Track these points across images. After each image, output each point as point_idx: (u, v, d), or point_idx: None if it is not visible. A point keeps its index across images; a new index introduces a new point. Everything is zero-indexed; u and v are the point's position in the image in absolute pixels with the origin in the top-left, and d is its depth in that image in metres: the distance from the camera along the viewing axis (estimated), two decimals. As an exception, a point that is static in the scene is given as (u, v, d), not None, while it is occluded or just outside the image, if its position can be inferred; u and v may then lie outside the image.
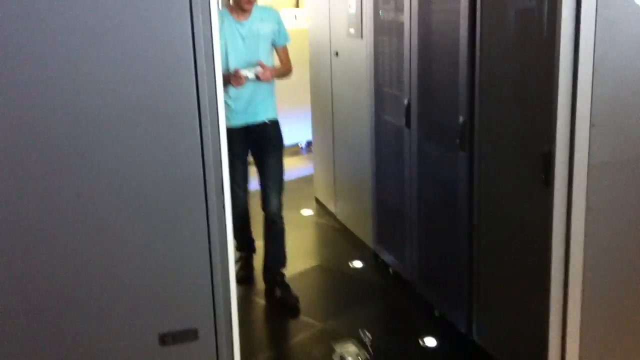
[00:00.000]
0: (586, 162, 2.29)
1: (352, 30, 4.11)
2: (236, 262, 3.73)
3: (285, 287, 3.72)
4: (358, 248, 4.34)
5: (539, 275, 2.50)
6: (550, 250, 2.41)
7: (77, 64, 1.62)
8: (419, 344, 3.21)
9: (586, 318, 2.47)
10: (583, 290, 2.44)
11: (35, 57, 1.58)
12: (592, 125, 2.26)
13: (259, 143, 3.57)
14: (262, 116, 3.54)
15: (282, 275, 3.76)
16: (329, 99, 4.72)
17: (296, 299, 3.63)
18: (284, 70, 3.64)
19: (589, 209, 2.35)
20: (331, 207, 4.99)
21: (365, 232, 4.30)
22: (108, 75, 1.64)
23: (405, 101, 3.44)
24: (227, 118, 3.28)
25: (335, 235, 4.68)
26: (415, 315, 3.49)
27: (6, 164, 1.63)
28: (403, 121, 3.50)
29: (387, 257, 3.99)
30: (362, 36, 3.95)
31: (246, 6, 3.37)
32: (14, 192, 1.66)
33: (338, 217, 4.86)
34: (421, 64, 3.26)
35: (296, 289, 3.72)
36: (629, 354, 2.59)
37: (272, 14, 3.57)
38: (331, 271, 4.14)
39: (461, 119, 2.91)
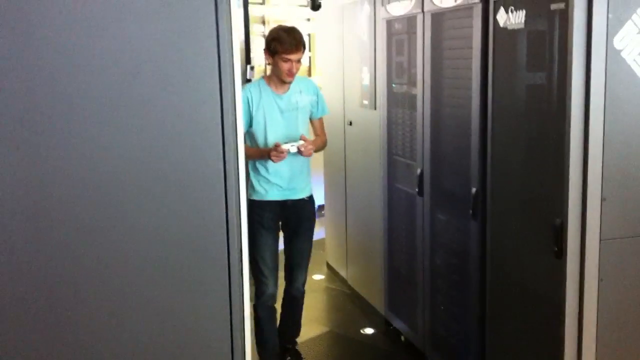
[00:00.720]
0: (598, 236, 2.34)
1: (365, 102, 4.23)
2: None
3: (297, 356, 3.70)
4: (369, 314, 4.34)
5: (551, 345, 2.51)
6: (563, 321, 2.44)
7: (108, 132, 1.67)
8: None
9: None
10: (596, 350, 2.45)
11: (67, 125, 1.61)
12: (603, 199, 2.32)
13: (293, 218, 3.46)
14: (302, 193, 3.46)
15: (295, 343, 3.74)
16: (342, 165, 4.81)
17: None
18: (320, 143, 3.56)
19: (600, 280, 2.38)
20: (342, 273, 5.01)
21: (376, 298, 4.31)
22: (136, 144, 1.71)
23: (418, 170, 3.52)
24: (264, 191, 3.35)
25: (346, 301, 4.68)
26: (427, 385, 3.48)
27: (32, 230, 1.66)
28: (415, 189, 3.57)
29: (398, 324, 3.99)
30: (375, 107, 4.07)
31: (288, 79, 3.26)
32: (38, 259, 1.68)
33: (349, 282, 4.88)
34: (434, 134, 3.36)
35: (307, 355, 3.72)
36: None
37: (311, 85, 3.50)
38: (342, 338, 4.13)
39: (473, 189, 2.98)
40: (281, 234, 3.54)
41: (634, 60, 2.28)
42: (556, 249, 2.42)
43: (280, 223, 3.47)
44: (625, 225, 2.38)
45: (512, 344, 2.84)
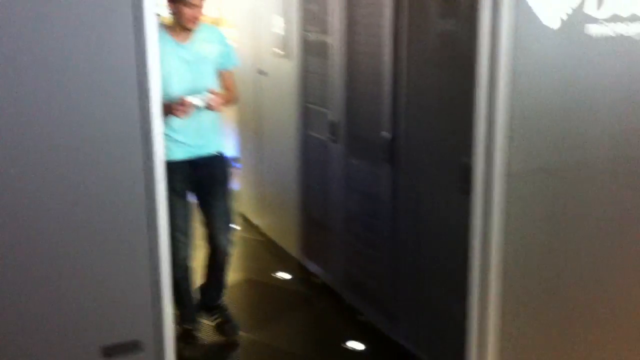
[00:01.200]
0: (503, 172, 2.53)
1: (278, 50, 4.26)
2: (178, 339, 3.03)
3: (224, 312, 3.52)
4: (285, 260, 4.45)
5: (460, 278, 2.71)
6: (470, 254, 2.63)
7: (24, 92, 1.66)
8: (346, 348, 3.36)
9: (505, 317, 2.69)
10: (502, 292, 2.66)
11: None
12: (508, 137, 2.50)
13: (205, 179, 3.23)
14: (211, 148, 3.22)
15: (221, 300, 3.54)
16: (256, 115, 4.84)
17: (235, 328, 3.47)
18: (230, 97, 3.31)
19: (507, 215, 2.58)
20: (257, 222, 5.09)
21: (291, 244, 4.43)
22: (53, 104, 1.70)
23: (332, 118, 3.62)
24: (170, 152, 3.01)
25: (262, 249, 4.78)
26: (341, 322, 3.64)
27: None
28: (330, 137, 3.67)
29: (313, 268, 4.13)
30: (289, 56, 4.11)
31: (191, 25, 3.01)
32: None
33: (264, 231, 4.96)
34: (348, 82, 3.45)
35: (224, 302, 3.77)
36: (546, 352, 2.83)
37: (217, 34, 3.23)
38: (259, 284, 4.23)
39: (386, 135, 3.11)
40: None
41: (538, 4, 2.43)
42: (464, 186, 2.59)
43: (192, 185, 3.22)
44: (530, 161, 2.58)
45: (422, 281, 3.03)
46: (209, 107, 3.05)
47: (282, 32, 4.20)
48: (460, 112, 2.61)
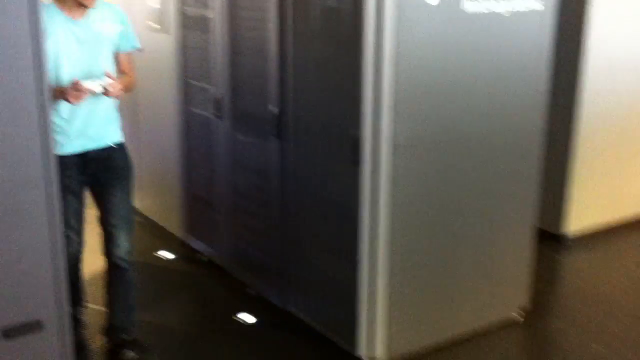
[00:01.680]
0: (390, 143, 2.67)
1: (154, 24, 4.15)
2: None
3: (140, 347, 3.07)
4: (168, 240, 4.39)
5: (350, 247, 2.84)
6: (359, 223, 2.76)
7: None
8: (238, 321, 3.41)
9: (393, 282, 2.86)
10: (390, 258, 2.82)
11: None
12: (394, 110, 2.63)
13: (101, 173, 2.90)
14: (108, 139, 2.90)
15: (133, 332, 3.08)
16: (131, 93, 4.67)
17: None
18: (128, 82, 2.99)
19: (394, 184, 2.73)
20: (135, 204, 4.95)
21: (174, 223, 4.37)
22: None
23: (216, 94, 3.60)
24: (60, 144, 2.71)
25: (141, 230, 4.66)
26: (231, 297, 3.67)
27: None
28: (214, 113, 3.65)
29: (198, 245, 4.12)
30: (166, 30, 4.02)
31: (87, 2, 2.69)
32: None
33: (143, 212, 4.85)
34: (231, 57, 3.45)
35: (102, 288, 3.60)
36: (432, 313, 3.03)
37: (117, 13, 2.91)
38: (141, 265, 4.13)
39: (274, 110, 3.15)
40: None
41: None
42: (353, 158, 2.71)
43: (87, 180, 2.89)
44: (415, 132, 2.74)
45: (313, 248, 3.13)
46: (106, 94, 2.72)
47: (157, 5, 4.09)
48: (347, 86, 2.71)
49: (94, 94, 2.68)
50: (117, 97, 2.80)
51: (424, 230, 2.91)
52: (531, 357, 3.16)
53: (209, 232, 3.98)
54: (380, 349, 2.91)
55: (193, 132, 3.98)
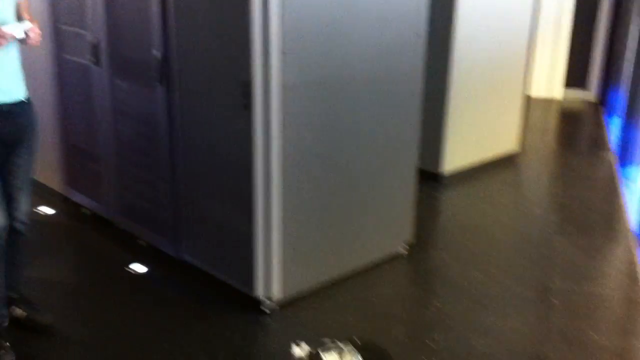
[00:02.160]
0: (280, 85, 2.68)
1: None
2: None
3: (29, 304, 2.92)
4: (45, 195, 4.19)
5: (243, 191, 2.85)
6: (252, 167, 2.77)
7: None
8: (128, 272, 3.35)
9: (287, 224, 2.91)
10: (283, 201, 2.87)
11: None
12: (282, 52, 2.64)
13: (9, 128, 2.65)
14: (18, 93, 2.65)
15: (21, 290, 2.92)
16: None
17: (50, 316, 2.91)
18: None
19: (285, 126, 2.75)
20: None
21: (51, 177, 4.17)
22: None
23: (92, 39, 3.43)
24: None
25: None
26: (121, 249, 3.59)
27: None
28: (91, 59, 3.48)
29: (80, 199, 3.97)
30: (32, -29, 3.74)
31: None
32: None
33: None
34: (107, 1, 3.28)
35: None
36: (326, 252, 3.13)
37: None
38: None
39: (156, 53, 3.05)
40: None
41: None
42: (244, 102, 2.70)
43: None
44: (303, 75, 2.76)
45: (206, 194, 3.11)
46: (27, 39, 2.52)
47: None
48: (235, 29, 2.67)
49: (14, 39, 2.48)
50: (36, 43, 2.58)
51: (315, 172, 2.98)
52: (416, 286, 3.36)
53: (91, 185, 3.83)
54: (276, 289, 2.98)
55: (69, 81, 3.77)
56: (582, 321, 2.99)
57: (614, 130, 6.12)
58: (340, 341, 2.58)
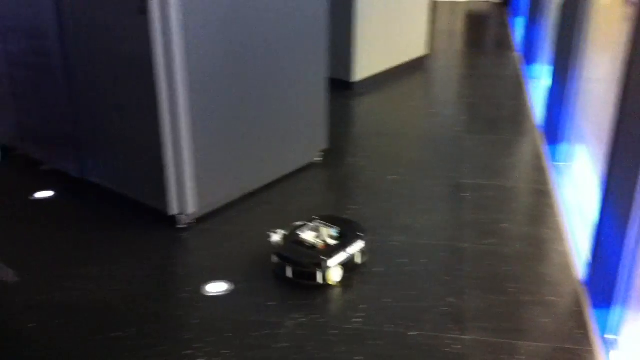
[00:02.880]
0: (177, -14, 2.51)
1: None
2: None
3: None
4: None
5: (148, 104, 2.70)
6: (155, 78, 2.62)
7: None
8: (34, 199, 3.17)
9: (197, 137, 2.80)
10: (191, 113, 2.74)
11: None
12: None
13: None
14: None
15: None
16: None
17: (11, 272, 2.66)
18: None
19: (186, 31, 2.59)
20: None
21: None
22: None
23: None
24: None
25: None
26: (23, 177, 3.39)
27: None
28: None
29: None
30: None
31: None
32: None
33: None
34: None
35: None
36: (240, 165, 3.04)
37: None
38: None
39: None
40: None
41: None
42: (140, 4, 2.51)
43: None
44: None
45: (109, 117, 2.94)
46: None
47: None
48: None
49: None
50: None
51: (222, 82, 2.85)
52: (333, 191, 3.36)
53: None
54: (191, 203, 2.90)
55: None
56: (494, 213, 3.09)
57: (518, 30, 6.22)
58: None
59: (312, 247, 2.58)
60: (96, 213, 3.06)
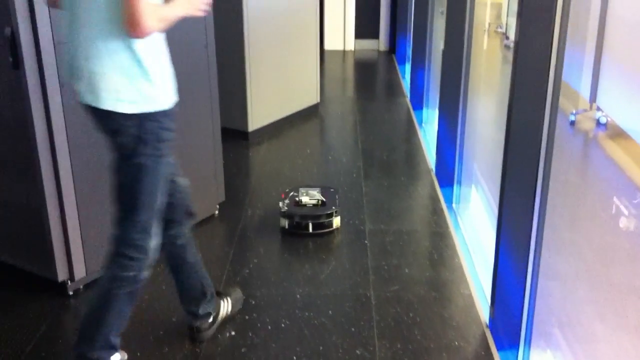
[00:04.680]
0: (52, 41, 2.35)
1: None
2: None
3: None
4: None
5: (27, 163, 2.50)
6: (33, 135, 2.43)
7: None
8: None
9: (81, 197, 2.61)
10: (74, 173, 2.56)
11: None
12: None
13: None
14: None
15: None
16: None
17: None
18: None
19: (62, 85, 2.43)
20: None
21: None
22: None
23: None
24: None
25: None
26: None
27: None
28: None
29: None
30: None
31: None
32: None
33: None
34: None
35: None
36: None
37: None
38: None
39: None
40: None
41: None
42: (12, 60, 2.34)
43: None
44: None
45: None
46: None
47: None
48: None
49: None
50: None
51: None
52: (232, 245, 3.23)
53: None
54: (79, 270, 2.69)
55: None
56: (396, 258, 3.07)
57: (406, 76, 6.42)
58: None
59: (316, 204, 3.36)
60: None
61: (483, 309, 2.65)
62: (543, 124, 1.97)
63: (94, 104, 1.91)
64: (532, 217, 2.06)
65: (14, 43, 2.30)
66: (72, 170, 2.55)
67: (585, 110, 4.41)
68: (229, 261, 3.06)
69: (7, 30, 2.29)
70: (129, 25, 1.76)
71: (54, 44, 2.36)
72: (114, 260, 2.05)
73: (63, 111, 2.46)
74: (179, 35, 2.92)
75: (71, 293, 2.72)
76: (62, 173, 2.52)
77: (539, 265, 2.10)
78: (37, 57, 2.34)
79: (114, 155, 2.01)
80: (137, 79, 1.87)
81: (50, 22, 2.33)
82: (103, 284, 2.08)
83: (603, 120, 4.05)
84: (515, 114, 2.22)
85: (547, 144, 1.99)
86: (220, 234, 3.36)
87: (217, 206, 3.49)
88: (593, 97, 4.41)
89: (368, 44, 7.91)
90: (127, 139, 1.93)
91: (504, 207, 2.35)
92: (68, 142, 2.51)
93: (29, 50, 2.32)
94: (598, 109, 4.11)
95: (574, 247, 2.17)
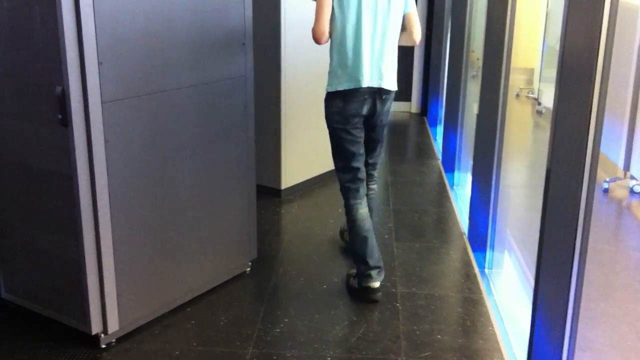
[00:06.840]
0: (99, 99, 2.45)
1: None
2: None
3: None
4: None
5: (68, 218, 2.56)
6: (75, 191, 2.50)
7: None
8: None
9: (119, 253, 2.66)
10: (113, 227, 2.62)
11: None
12: (100, 63, 2.41)
13: None
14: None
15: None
16: None
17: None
18: None
19: (107, 142, 2.51)
20: None
21: None
22: None
23: None
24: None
25: None
26: None
27: None
28: None
29: None
30: None
31: None
32: None
33: None
34: None
35: None
36: (164, 279, 2.90)
37: None
38: None
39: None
40: None
41: None
42: (61, 117, 2.43)
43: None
44: (123, 87, 2.55)
45: (27, 225, 2.76)
46: None
47: None
48: (51, 40, 2.40)
49: None
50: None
51: (145, 192, 2.75)
52: (263, 303, 3.23)
53: None
54: (112, 322, 2.71)
55: None
56: (427, 323, 3.04)
57: (438, 138, 6.46)
58: None
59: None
60: (10, 334, 2.81)
61: (517, 380, 2.59)
62: (581, 193, 1.97)
63: (387, 87, 3.36)
64: (569, 287, 2.04)
65: (63, 101, 2.40)
66: (111, 227, 2.61)
67: (618, 179, 4.38)
68: (260, 319, 3.06)
69: (58, 89, 2.39)
70: (420, 37, 3.38)
71: (101, 102, 2.45)
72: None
73: (107, 168, 2.53)
74: (219, 94, 3.01)
75: (104, 346, 2.73)
76: (101, 228, 2.57)
77: (575, 338, 2.06)
78: (85, 115, 2.43)
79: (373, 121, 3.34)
80: None
81: (100, 82, 2.43)
82: None
83: (637, 189, 4.02)
84: (553, 181, 2.22)
85: (585, 213, 1.98)
86: (252, 291, 3.36)
87: (249, 263, 3.51)
88: (627, 166, 4.39)
89: (400, 106, 8.00)
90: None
91: (541, 276, 2.32)
92: (109, 197, 2.57)
93: (78, 108, 2.41)
94: (632, 177, 4.08)
95: (607, 317, 2.13)
